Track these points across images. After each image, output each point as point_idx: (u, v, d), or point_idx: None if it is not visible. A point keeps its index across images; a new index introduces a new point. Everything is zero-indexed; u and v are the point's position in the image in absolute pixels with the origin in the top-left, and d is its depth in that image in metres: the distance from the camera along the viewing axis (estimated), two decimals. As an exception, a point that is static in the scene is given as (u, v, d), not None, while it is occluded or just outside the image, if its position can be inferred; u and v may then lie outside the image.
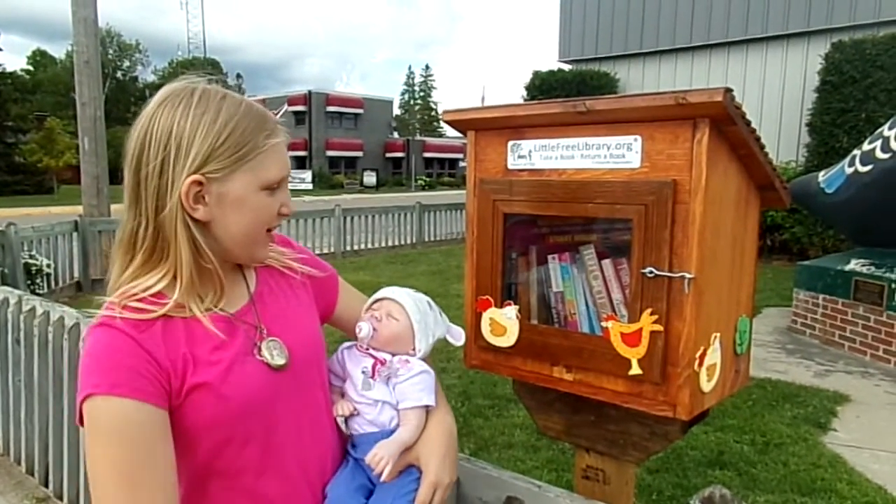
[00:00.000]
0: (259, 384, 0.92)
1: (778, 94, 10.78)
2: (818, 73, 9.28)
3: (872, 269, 5.05)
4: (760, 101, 10.93)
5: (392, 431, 1.05)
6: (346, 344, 1.15)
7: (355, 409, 1.07)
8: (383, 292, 1.17)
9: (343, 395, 1.11)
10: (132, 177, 0.89)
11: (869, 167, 4.84)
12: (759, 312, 6.53)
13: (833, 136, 8.98)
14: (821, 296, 5.47)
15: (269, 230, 0.97)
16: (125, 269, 0.92)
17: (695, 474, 3.09)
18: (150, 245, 0.90)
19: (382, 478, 0.98)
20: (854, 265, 5.22)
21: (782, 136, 10.62)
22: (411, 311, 1.12)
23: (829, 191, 5.26)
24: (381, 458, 0.98)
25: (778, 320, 6.19)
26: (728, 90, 1.00)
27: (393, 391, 1.07)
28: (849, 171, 5.07)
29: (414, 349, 1.12)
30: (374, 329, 1.10)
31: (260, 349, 0.94)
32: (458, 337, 1.19)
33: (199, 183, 0.88)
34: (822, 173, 5.59)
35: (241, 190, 0.90)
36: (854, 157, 5.11)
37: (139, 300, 0.88)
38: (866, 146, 5.03)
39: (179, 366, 0.87)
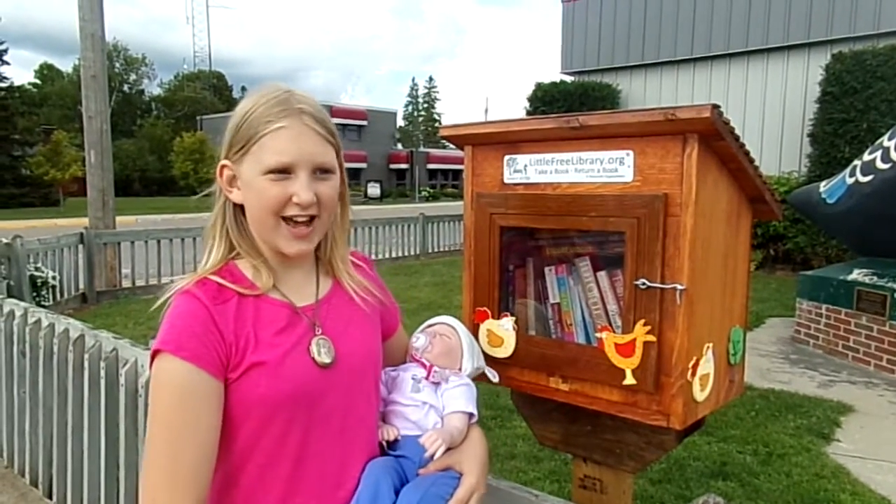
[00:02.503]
0: (307, 377, 0.98)
1: (779, 104, 10.81)
2: (819, 83, 9.31)
3: (875, 278, 5.04)
4: (762, 112, 10.96)
5: None
6: (390, 367, 1.22)
7: (399, 431, 1.12)
8: (437, 319, 1.30)
9: (387, 405, 1.16)
10: None
11: (870, 177, 4.86)
12: (762, 322, 6.52)
13: (834, 146, 9.00)
14: (824, 306, 5.46)
15: (286, 219, 0.97)
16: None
17: (697, 485, 3.08)
18: (213, 222, 1.04)
19: (437, 455, 1.03)
20: (856, 275, 5.22)
21: (784, 146, 10.64)
22: (462, 333, 1.27)
23: (830, 201, 5.27)
24: (436, 438, 1.04)
25: (781, 330, 6.18)
26: (715, 106, 1.03)
27: (440, 397, 1.15)
28: (850, 181, 5.09)
29: (461, 368, 1.22)
30: (431, 343, 1.21)
31: (309, 345, 1.00)
32: (494, 375, 1.32)
33: (227, 167, 1.00)
34: (823, 183, 5.60)
35: (248, 173, 0.97)
36: (855, 167, 5.13)
37: (220, 275, 0.99)
38: (867, 156, 5.05)
39: (242, 343, 0.94)
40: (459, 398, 1.14)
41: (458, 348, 1.24)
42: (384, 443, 1.11)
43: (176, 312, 0.94)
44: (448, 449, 1.07)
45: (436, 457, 1.03)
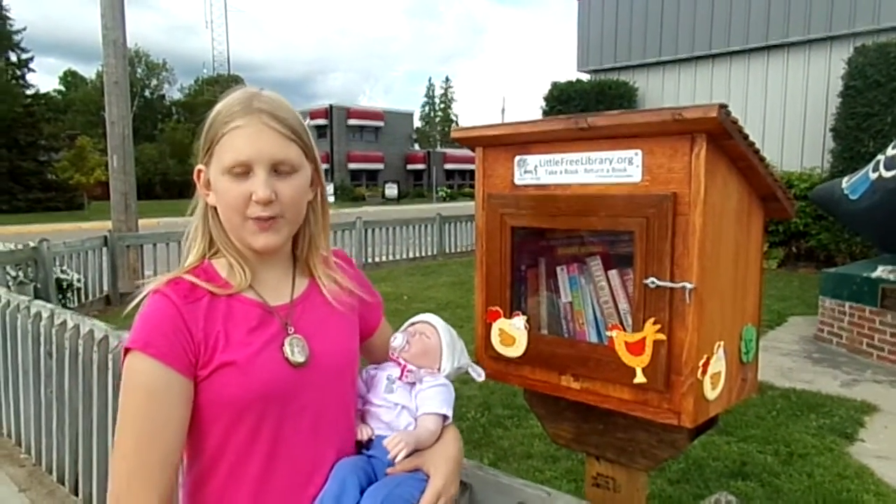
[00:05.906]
0: (279, 375, 0.99)
1: (801, 99, 10.65)
2: (842, 77, 9.16)
3: (899, 276, 4.95)
4: (783, 107, 10.80)
5: None
6: (372, 366, 1.23)
7: (372, 427, 1.12)
8: (419, 317, 1.28)
9: (364, 404, 1.16)
10: None
11: (894, 172, 4.77)
12: (784, 321, 6.43)
13: (858, 140, 8.84)
14: (847, 303, 5.37)
15: (252, 219, 0.98)
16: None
17: (716, 485, 3.05)
18: (196, 225, 1.06)
19: (398, 459, 1.03)
20: (881, 272, 5.12)
21: (806, 141, 10.48)
22: (443, 332, 1.24)
23: (853, 197, 5.18)
24: (400, 440, 1.03)
25: (804, 329, 6.09)
26: (722, 106, 1.03)
27: (414, 398, 1.13)
28: (873, 176, 5.00)
29: (439, 368, 1.20)
30: (408, 342, 1.19)
31: (283, 344, 1.00)
32: (480, 374, 1.29)
33: (203, 171, 1.02)
34: (845, 179, 5.51)
35: (213, 174, 1.00)
36: (878, 161, 5.03)
37: (195, 274, 1.00)
38: (890, 151, 4.95)
39: (211, 341, 0.96)
40: (433, 399, 1.13)
41: (437, 347, 1.21)
42: (362, 441, 1.10)
43: (146, 312, 0.96)
44: (416, 450, 1.06)
45: (398, 459, 1.03)
